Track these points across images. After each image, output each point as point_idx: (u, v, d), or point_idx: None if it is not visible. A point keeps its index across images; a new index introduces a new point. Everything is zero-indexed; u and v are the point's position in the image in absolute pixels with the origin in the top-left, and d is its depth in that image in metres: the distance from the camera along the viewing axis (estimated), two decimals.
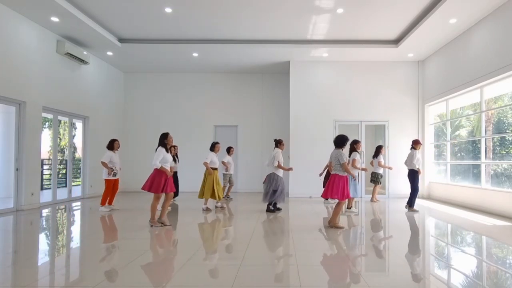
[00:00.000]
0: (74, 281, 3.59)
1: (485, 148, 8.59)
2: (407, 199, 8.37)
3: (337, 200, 6.18)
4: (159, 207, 6.39)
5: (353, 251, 4.83)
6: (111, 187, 7.99)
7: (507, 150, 8.49)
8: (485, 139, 8.63)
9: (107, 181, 7.92)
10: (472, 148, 9.45)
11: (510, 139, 8.40)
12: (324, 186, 9.70)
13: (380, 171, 9.61)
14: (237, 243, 5.26)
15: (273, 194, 7.76)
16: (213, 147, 8.49)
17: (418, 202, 9.80)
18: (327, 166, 9.07)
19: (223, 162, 9.55)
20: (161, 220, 6.22)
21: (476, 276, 3.90)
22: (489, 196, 8.06)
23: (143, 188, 6.11)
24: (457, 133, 10.44)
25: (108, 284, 3.37)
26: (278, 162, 7.73)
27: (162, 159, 6.09)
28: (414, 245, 5.32)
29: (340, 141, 6.17)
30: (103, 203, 7.99)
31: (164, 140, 6.20)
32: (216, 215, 7.72)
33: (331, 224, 6.12)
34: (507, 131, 8.38)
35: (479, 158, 8.74)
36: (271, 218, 7.33)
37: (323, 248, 5.01)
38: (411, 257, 4.59)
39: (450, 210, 8.35)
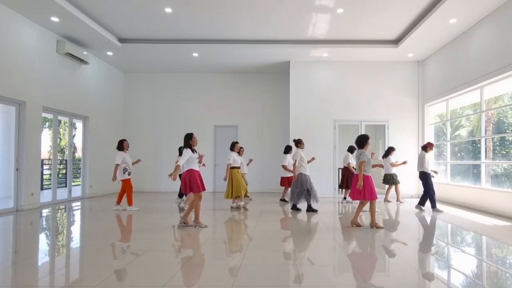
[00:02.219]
0: (74, 281, 3.59)
1: (485, 148, 8.59)
2: (418, 200, 8.43)
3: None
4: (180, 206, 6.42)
5: (354, 251, 4.83)
6: (131, 186, 8.05)
7: (507, 150, 8.49)
8: (485, 139, 8.63)
9: (124, 181, 7.97)
10: (472, 148, 9.45)
11: (510, 139, 8.40)
12: (340, 187, 9.87)
13: (393, 171, 9.59)
14: (237, 243, 5.26)
15: (301, 194, 7.78)
16: (233, 147, 8.52)
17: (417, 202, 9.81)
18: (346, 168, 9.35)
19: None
20: (184, 219, 6.21)
21: (476, 276, 3.90)
22: (489, 196, 8.05)
23: (184, 192, 6.14)
24: (457, 133, 10.44)
25: (108, 284, 3.37)
26: (295, 161, 7.82)
27: (189, 159, 6.04)
28: (415, 245, 5.32)
29: (360, 140, 6.24)
30: (130, 203, 8.05)
31: (189, 141, 6.15)
32: (222, 215, 7.71)
33: (372, 225, 6.11)
34: (507, 131, 8.38)
35: (479, 158, 8.74)
36: (274, 218, 7.33)
37: (324, 248, 5.01)
38: (411, 257, 4.59)
39: (450, 210, 8.35)
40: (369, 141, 6.28)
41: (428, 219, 7.30)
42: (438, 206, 8.22)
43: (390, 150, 9.64)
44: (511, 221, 6.95)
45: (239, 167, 8.43)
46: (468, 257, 4.69)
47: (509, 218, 7.18)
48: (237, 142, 8.64)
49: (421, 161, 8.18)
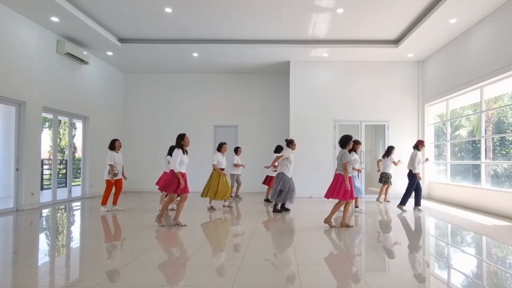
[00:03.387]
0: (74, 281, 3.59)
1: (485, 148, 8.59)
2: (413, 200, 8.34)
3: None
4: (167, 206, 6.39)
5: (354, 251, 4.83)
6: (111, 187, 7.97)
7: (507, 150, 8.49)
8: (485, 139, 8.63)
9: (107, 181, 7.91)
10: (472, 148, 9.45)
11: (510, 139, 8.40)
12: None
13: (390, 171, 9.57)
14: (237, 243, 5.26)
15: (279, 194, 7.71)
16: (220, 147, 8.48)
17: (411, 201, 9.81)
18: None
19: (235, 165, 9.58)
20: (176, 221, 6.19)
21: (476, 276, 3.90)
22: (489, 196, 8.05)
23: (157, 184, 6.10)
24: (457, 133, 10.44)
25: (108, 284, 3.37)
26: (278, 157, 7.82)
27: (179, 161, 6.04)
28: (414, 245, 5.32)
29: (343, 141, 6.24)
30: (103, 203, 7.99)
31: (180, 141, 6.13)
32: (222, 215, 7.71)
33: (342, 223, 6.18)
34: (507, 131, 8.38)
35: (479, 158, 8.74)
36: (274, 218, 7.33)
37: (324, 248, 5.01)
38: (411, 257, 4.59)
39: (450, 210, 8.35)
40: (351, 141, 6.30)
41: (428, 220, 7.30)
42: (435, 206, 8.23)
43: (391, 149, 9.60)
44: (511, 221, 6.95)
45: (223, 169, 8.35)
46: (468, 257, 4.69)
47: (509, 218, 7.18)
48: (224, 143, 8.58)
49: (412, 160, 8.11)
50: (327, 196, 6.24)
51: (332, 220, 6.29)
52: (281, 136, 12.60)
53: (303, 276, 3.61)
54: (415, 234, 6.13)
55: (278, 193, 7.71)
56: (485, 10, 7.85)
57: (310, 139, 11.29)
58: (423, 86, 11.38)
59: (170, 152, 8.12)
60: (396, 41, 10.26)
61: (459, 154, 10.20)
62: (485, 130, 8.61)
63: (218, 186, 8.04)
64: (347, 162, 6.02)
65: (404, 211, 8.07)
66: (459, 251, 5.06)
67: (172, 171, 6.06)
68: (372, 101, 11.41)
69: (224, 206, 8.51)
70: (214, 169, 8.20)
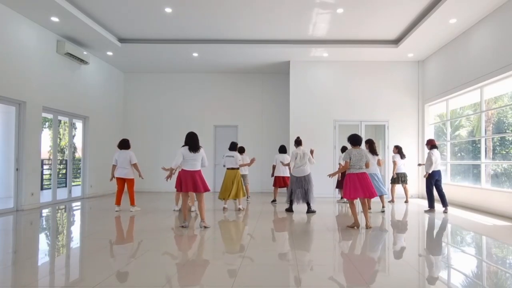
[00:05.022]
0: (74, 281, 3.59)
1: (485, 148, 8.59)
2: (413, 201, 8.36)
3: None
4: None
5: (354, 251, 4.83)
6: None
7: (507, 150, 8.49)
8: (485, 139, 8.63)
9: (131, 180, 8.09)
10: (472, 148, 9.45)
11: (510, 139, 8.40)
12: (337, 187, 9.53)
13: (403, 170, 9.57)
14: (237, 243, 5.26)
15: (309, 193, 7.75)
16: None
17: (418, 202, 9.84)
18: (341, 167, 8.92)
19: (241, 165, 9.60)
20: (184, 221, 6.16)
21: (476, 276, 3.90)
22: (489, 196, 8.05)
23: (205, 190, 6.02)
24: (457, 133, 10.44)
25: (108, 284, 3.36)
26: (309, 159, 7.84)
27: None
28: (414, 245, 5.32)
29: (359, 139, 6.22)
30: (134, 203, 8.11)
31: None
32: (223, 215, 7.72)
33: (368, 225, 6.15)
34: (507, 131, 8.38)
35: (479, 158, 8.74)
36: (280, 218, 7.33)
37: (324, 248, 5.01)
38: (411, 257, 4.59)
39: (450, 210, 8.34)
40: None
41: (432, 220, 7.29)
42: (435, 206, 8.24)
43: (401, 149, 9.62)
44: (511, 221, 6.95)
45: (237, 168, 8.34)
46: (468, 257, 4.69)
47: (509, 218, 7.18)
48: (236, 144, 8.62)
49: (439, 160, 8.05)
50: (373, 196, 6.13)
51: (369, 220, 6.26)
52: (281, 136, 12.61)
53: (303, 276, 3.61)
54: (415, 234, 6.13)
55: (309, 192, 7.77)
56: (485, 10, 7.85)
57: (310, 139, 11.24)
58: (423, 86, 11.38)
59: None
60: (396, 41, 10.26)
61: (459, 154, 10.20)
62: (485, 130, 8.61)
63: (237, 185, 8.23)
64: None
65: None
66: (459, 251, 5.06)
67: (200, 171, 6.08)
68: (372, 101, 11.41)
69: (239, 209, 8.48)
70: (243, 166, 8.45)
